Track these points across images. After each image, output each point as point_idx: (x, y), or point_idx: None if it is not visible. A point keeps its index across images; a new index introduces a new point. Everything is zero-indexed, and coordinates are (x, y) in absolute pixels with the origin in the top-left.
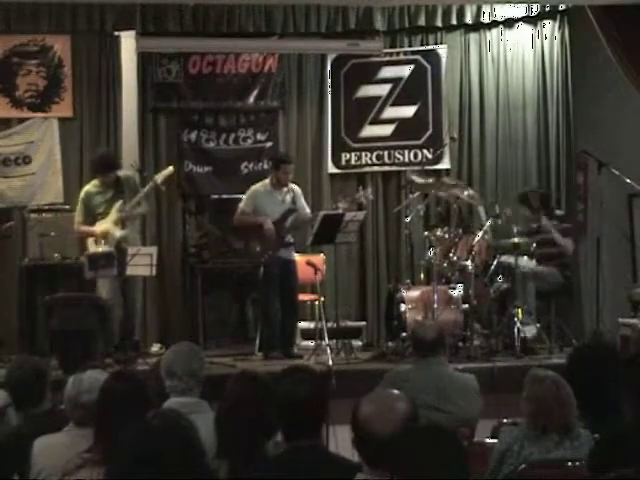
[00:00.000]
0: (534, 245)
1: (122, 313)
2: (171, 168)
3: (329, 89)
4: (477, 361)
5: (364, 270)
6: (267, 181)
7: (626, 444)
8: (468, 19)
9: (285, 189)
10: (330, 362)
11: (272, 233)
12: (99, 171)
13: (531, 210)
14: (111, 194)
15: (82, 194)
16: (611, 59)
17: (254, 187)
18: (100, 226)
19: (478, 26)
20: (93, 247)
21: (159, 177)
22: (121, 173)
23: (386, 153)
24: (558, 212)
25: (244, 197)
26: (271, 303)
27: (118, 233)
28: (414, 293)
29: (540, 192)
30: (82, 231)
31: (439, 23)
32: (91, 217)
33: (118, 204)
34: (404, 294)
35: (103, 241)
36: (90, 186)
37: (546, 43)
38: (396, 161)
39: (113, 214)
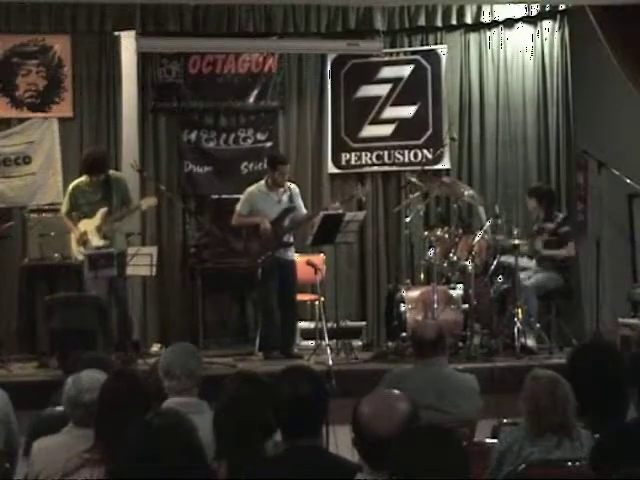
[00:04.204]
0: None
1: (117, 313)
2: (155, 199)
3: (329, 89)
4: (477, 361)
5: (364, 270)
6: (262, 182)
7: (629, 443)
8: (468, 19)
9: (281, 189)
10: (330, 362)
11: (269, 233)
12: (88, 172)
13: (539, 205)
14: (98, 197)
15: (70, 188)
16: (611, 59)
17: (249, 189)
18: (83, 226)
19: (478, 26)
20: (75, 248)
21: (144, 204)
22: (112, 174)
23: (386, 153)
24: (558, 214)
25: (240, 199)
26: (270, 303)
27: (97, 242)
28: (414, 293)
29: (549, 190)
30: (64, 221)
31: (439, 23)
32: (75, 213)
33: (103, 211)
34: (404, 294)
35: (81, 248)
36: (79, 182)
37: (546, 43)
38: (396, 161)
39: (97, 219)
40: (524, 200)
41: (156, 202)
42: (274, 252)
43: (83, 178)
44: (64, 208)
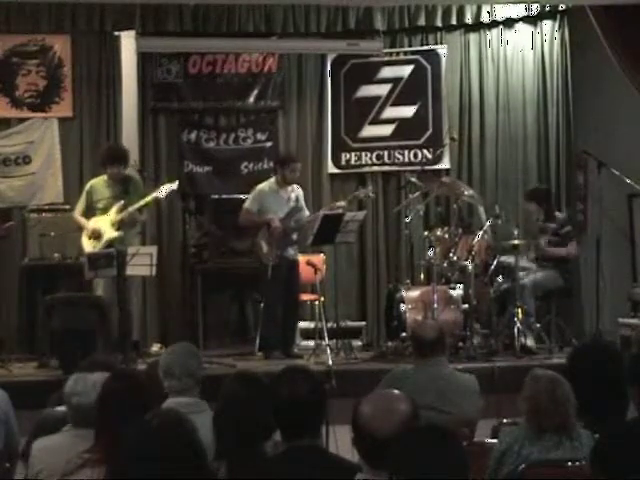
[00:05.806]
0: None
1: (119, 313)
2: (176, 183)
3: (329, 89)
4: (477, 361)
5: (364, 270)
6: (272, 180)
7: (629, 443)
8: (468, 19)
9: (290, 188)
10: (330, 362)
11: (280, 231)
12: (107, 162)
13: (539, 206)
14: (117, 192)
15: (87, 186)
16: (611, 59)
17: (259, 187)
18: (94, 223)
19: (478, 26)
20: (86, 245)
21: (162, 192)
22: (132, 174)
23: (386, 153)
24: (558, 215)
25: (249, 197)
26: (275, 303)
27: (111, 234)
28: (414, 293)
29: (547, 190)
30: (76, 220)
31: (439, 23)
32: (90, 211)
33: (119, 204)
34: (404, 294)
35: (94, 242)
36: (97, 180)
37: (546, 43)
38: (396, 161)
39: (112, 214)
40: (523, 204)
41: (176, 187)
42: (283, 251)
43: (100, 177)
44: (79, 207)
